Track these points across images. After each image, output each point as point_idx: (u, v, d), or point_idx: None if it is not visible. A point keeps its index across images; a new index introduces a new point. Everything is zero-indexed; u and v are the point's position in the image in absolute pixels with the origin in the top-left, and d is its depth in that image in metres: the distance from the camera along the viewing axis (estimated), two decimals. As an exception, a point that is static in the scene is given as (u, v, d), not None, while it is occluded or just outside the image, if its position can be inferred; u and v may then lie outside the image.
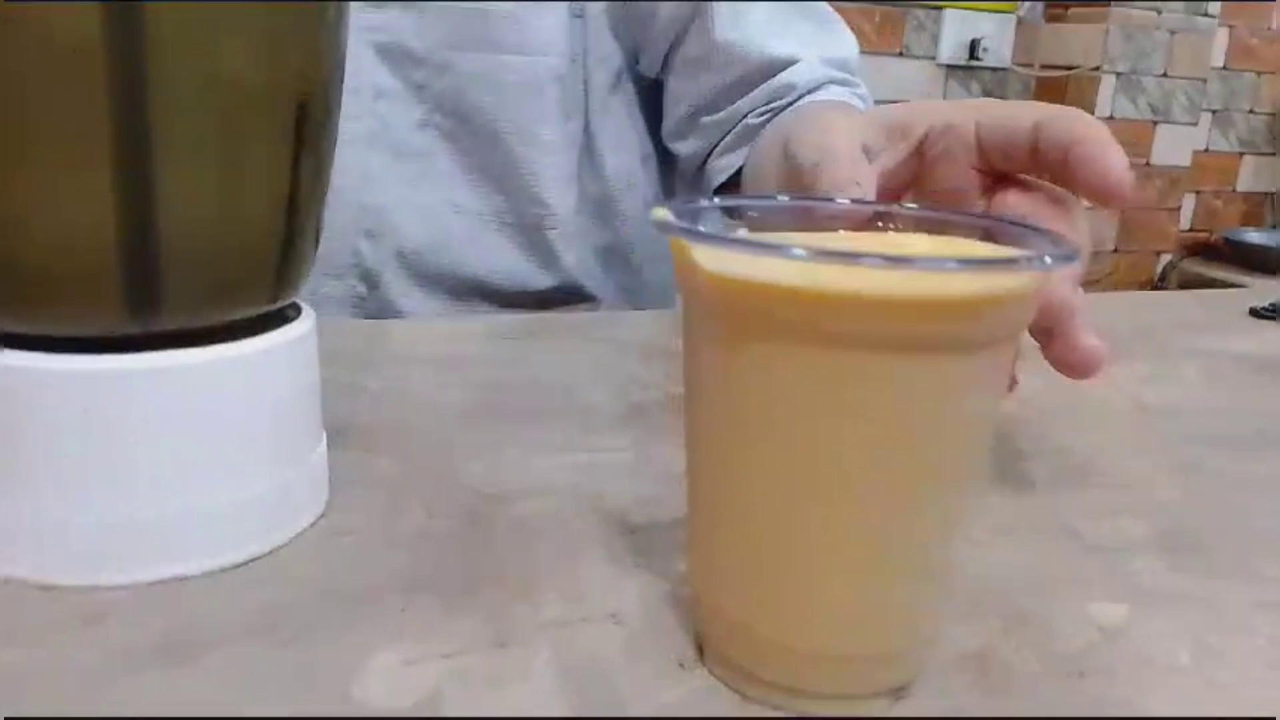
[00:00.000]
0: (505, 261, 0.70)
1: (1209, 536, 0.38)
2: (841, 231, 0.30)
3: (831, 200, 0.30)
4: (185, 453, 0.30)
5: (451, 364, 0.52)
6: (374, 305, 0.69)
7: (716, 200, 0.28)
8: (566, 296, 0.72)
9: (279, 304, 0.33)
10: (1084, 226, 0.36)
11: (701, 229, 0.23)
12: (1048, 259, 0.22)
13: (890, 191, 0.38)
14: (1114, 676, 0.29)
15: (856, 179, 0.37)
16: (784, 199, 0.30)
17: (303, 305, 0.35)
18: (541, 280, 0.71)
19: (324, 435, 0.36)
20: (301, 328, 0.33)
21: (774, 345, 0.23)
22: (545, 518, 0.36)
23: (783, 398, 0.23)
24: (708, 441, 0.26)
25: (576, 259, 0.71)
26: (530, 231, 0.70)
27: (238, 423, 0.31)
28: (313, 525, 0.34)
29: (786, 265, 0.22)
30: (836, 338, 0.22)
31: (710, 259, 0.23)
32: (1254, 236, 2.30)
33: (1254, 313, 0.80)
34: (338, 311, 0.68)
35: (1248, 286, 2.05)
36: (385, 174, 0.66)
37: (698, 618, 0.29)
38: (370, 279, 0.68)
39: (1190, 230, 2.42)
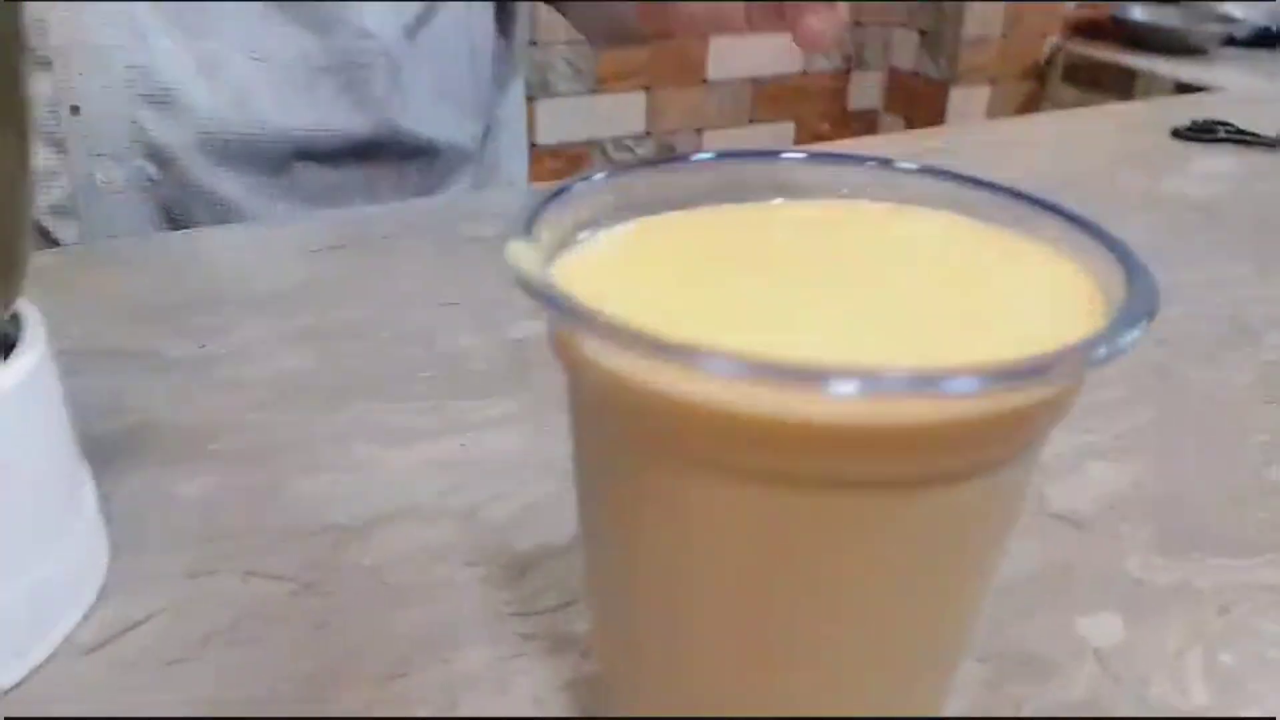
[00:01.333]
0: (320, 113, 0.58)
1: (1196, 486, 0.33)
2: (780, 202, 0.21)
3: (774, 154, 0.20)
4: None
5: (276, 304, 0.42)
6: (170, 189, 0.57)
7: (599, 177, 0.19)
8: (399, 146, 0.61)
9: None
10: None
11: (587, 314, 0.14)
12: (1105, 350, 0.14)
13: None
14: (1128, 743, 0.23)
15: None
16: (704, 156, 0.21)
17: (23, 313, 0.25)
18: (366, 128, 0.60)
19: (88, 485, 0.27)
20: (22, 365, 0.23)
21: (703, 479, 0.15)
22: (406, 563, 0.28)
23: (723, 546, 0.15)
24: (611, 570, 0.18)
25: (406, 99, 0.60)
26: (350, 71, 0.58)
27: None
28: (87, 618, 0.25)
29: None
30: (803, 478, 0.14)
31: (604, 352, 0.15)
32: (1139, 13, 2.24)
33: (1176, 134, 0.74)
34: (126, 203, 0.55)
35: (1135, 70, 2.01)
36: (158, 23, 0.53)
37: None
38: (161, 157, 0.56)
39: (1078, 4, 2.35)
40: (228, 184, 0.57)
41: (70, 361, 0.27)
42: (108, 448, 0.31)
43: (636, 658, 0.19)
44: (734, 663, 0.17)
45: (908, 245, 0.20)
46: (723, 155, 0.20)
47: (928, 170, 0.20)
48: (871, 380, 0.13)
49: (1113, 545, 0.30)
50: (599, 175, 0.19)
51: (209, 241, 0.49)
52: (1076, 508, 0.32)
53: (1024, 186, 0.19)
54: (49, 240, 0.56)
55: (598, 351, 0.15)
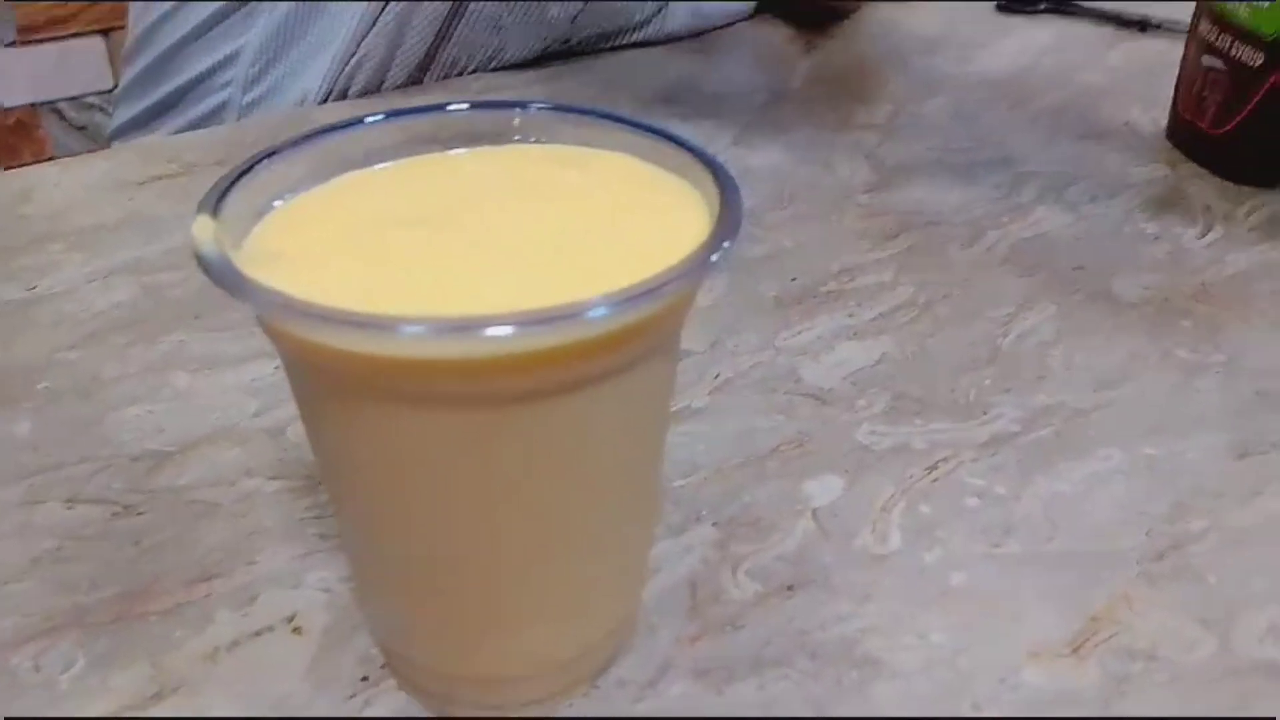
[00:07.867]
0: None
1: (934, 358, 0.37)
2: (460, 151, 0.24)
3: (441, 109, 0.23)
4: None
5: (99, 240, 0.44)
6: None
7: (286, 149, 0.22)
8: None
9: None
10: None
11: (256, 287, 0.17)
12: (712, 259, 0.18)
13: None
14: (824, 586, 0.28)
15: None
16: (375, 118, 0.23)
17: None
18: None
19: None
20: None
21: (394, 408, 0.18)
22: (217, 481, 0.31)
23: (397, 458, 0.19)
24: (333, 484, 0.22)
25: None
26: None
27: None
28: (-78, 553, 0.28)
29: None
30: (473, 398, 0.18)
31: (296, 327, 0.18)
32: None
33: (1001, 8, 0.77)
34: None
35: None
36: None
37: (380, 647, 0.26)
38: None
39: None
40: None
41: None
42: (-65, 394, 0.34)
43: (365, 547, 0.23)
44: (444, 537, 0.21)
45: (552, 183, 0.23)
46: (390, 115, 0.23)
47: (572, 110, 0.23)
48: (520, 323, 0.16)
49: (849, 417, 0.35)
50: (285, 148, 0.22)
51: (32, 181, 0.49)
52: (824, 385, 0.36)
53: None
54: None
55: (289, 325, 0.18)
